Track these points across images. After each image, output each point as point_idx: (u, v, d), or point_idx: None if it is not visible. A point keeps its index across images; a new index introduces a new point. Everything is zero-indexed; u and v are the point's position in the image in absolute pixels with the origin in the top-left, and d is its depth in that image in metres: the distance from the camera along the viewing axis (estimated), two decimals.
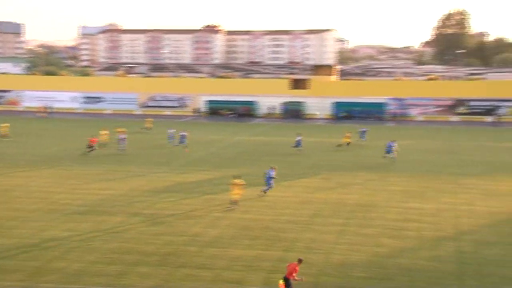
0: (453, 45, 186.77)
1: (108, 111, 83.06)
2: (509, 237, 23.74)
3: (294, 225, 25.63)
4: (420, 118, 71.01)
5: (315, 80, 79.67)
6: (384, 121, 70.27)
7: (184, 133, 48.49)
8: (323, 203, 29.69)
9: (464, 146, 49.46)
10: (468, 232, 24.54)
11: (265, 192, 31.05)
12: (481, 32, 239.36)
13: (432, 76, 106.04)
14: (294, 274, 17.61)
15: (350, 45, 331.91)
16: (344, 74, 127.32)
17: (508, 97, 69.38)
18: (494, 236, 23.94)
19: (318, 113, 75.13)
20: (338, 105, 73.59)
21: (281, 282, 17.70)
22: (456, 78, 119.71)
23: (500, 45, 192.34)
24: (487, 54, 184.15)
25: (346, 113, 72.99)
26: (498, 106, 69.26)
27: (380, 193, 31.90)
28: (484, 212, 27.77)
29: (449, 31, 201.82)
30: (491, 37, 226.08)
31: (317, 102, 75.16)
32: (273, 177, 31.22)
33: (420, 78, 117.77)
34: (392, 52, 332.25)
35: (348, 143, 48.48)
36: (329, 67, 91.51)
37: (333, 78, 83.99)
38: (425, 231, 24.80)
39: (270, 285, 19.11)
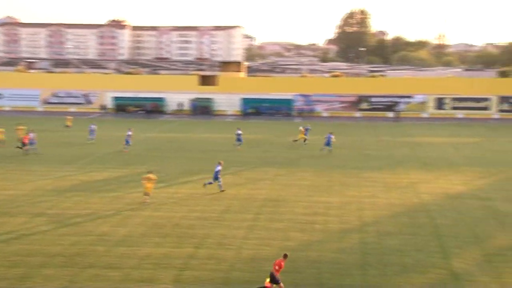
0: (355, 43, 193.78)
1: (7, 108, 79.06)
2: (408, 227, 25.03)
3: (205, 222, 25.65)
4: (326, 114, 73.14)
5: (224, 76, 79.92)
6: (291, 117, 71.76)
7: (129, 133, 46.13)
8: (233, 199, 29.90)
9: (367, 141, 51.47)
10: (371, 224, 25.62)
11: (208, 184, 31.40)
12: (380, 31, 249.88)
13: (336, 73, 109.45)
14: (279, 269, 17.93)
15: (257, 42, 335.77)
16: (252, 71, 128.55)
17: (406, 94, 72.93)
18: (395, 227, 25.14)
19: (227, 109, 75.46)
20: (247, 102, 74.31)
21: (267, 280, 17.88)
22: (359, 75, 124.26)
23: (398, 44, 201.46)
24: (386, 52, 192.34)
25: (254, 109, 73.85)
26: (398, 102, 72.63)
27: (288, 188, 32.57)
28: (385, 204, 29.08)
29: (351, 29, 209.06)
30: (389, 36, 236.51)
31: (226, 99, 75.49)
32: (219, 172, 31.25)
33: (325, 75, 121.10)
34: (298, 49, 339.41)
35: (305, 140, 48.60)
36: (237, 63, 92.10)
37: (241, 74, 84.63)
38: (332, 224, 25.63)
39: (180, 282, 19.04)
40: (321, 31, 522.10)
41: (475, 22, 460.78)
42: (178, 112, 75.80)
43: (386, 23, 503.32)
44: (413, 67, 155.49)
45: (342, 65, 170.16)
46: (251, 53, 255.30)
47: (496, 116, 70.15)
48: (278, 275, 17.94)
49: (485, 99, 71.08)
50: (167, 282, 19.07)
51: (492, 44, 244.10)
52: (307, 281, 19.22)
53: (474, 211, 27.73)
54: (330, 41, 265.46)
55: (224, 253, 21.74)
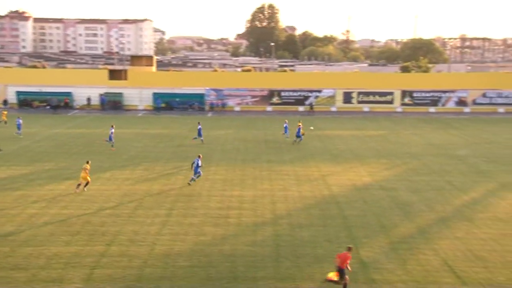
0: (266, 38, 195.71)
1: None
2: (319, 219, 25.66)
3: (117, 218, 25.05)
4: (238, 108, 73.48)
5: (134, 70, 78.23)
6: (204, 112, 71.49)
7: (111, 130, 44.06)
8: (146, 194, 29.41)
9: (279, 135, 52.22)
10: (284, 216, 26.04)
11: (193, 181, 31.57)
12: (290, 26, 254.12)
13: (248, 68, 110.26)
14: (347, 262, 17.73)
15: (168, 36, 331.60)
16: (162, 65, 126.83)
17: (316, 88, 74.65)
18: (307, 219, 25.70)
19: (138, 104, 74.01)
20: (158, 96, 73.20)
21: (331, 274, 17.57)
22: (270, 69, 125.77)
23: (307, 39, 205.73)
24: (296, 47, 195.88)
25: (166, 104, 72.90)
26: (308, 96, 74.20)
27: (202, 182, 32.44)
28: (297, 197, 29.65)
29: (261, 24, 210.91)
30: (298, 32, 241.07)
31: (137, 93, 73.99)
32: (200, 166, 31.45)
33: (236, 69, 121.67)
34: (209, 43, 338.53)
35: (303, 134, 48.03)
36: (147, 57, 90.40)
37: (152, 69, 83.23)
38: (245, 217, 25.80)
39: (91, 281, 18.49)
40: (232, 26, 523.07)
41: (378, 19, 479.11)
42: (87, 107, 73.44)
43: (294, 18, 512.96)
44: (321, 62, 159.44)
45: (253, 59, 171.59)
46: (162, 47, 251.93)
47: (399, 109, 73.27)
48: (347, 267, 17.96)
49: (389, 93, 74.06)
50: (77, 281, 18.46)
51: (394, 40, 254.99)
52: (222, 275, 19.25)
53: (380, 201, 28.86)
54: (241, 36, 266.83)
55: (137, 250, 21.33)
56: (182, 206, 27.43)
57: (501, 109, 72.11)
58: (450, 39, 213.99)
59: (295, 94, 74.39)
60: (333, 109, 73.17)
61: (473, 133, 53.58)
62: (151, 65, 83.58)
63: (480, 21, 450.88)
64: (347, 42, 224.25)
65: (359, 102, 74.12)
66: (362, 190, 31.12)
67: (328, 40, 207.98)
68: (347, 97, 74.27)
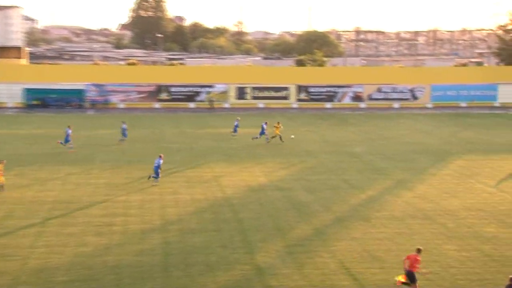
0: (152, 29, 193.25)
1: None
2: (212, 223, 25.78)
3: None
4: (122, 105, 72.02)
5: (1, 63, 74.35)
6: (84, 110, 69.37)
7: (124, 126, 45.50)
8: (17, 203, 28.09)
9: (168, 134, 51.81)
10: (174, 222, 25.90)
11: (152, 179, 32.17)
12: (178, 17, 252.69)
13: (133, 61, 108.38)
14: (417, 266, 17.24)
15: (40, 25, 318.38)
16: (35, 58, 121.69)
17: (207, 83, 74.78)
18: (199, 223, 25.73)
19: (6, 101, 70.41)
20: (30, 92, 70.06)
21: (399, 278, 17.07)
22: (157, 63, 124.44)
23: (197, 30, 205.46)
24: (185, 39, 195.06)
25: (39, 101, 69.95)
26: (199, 92, 74.21)
27: (83, 187, 31.52)
28: (188, 200, 29.59)
29: (146, 13, 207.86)
30: (187, 22, 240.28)
31: (5, 89, 70.39)
32: (160, 167, 32.11)
33: (120, 62, 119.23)
34: (88, 34, 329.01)
35: (280, 136, 47.04)
36: (16, 49, 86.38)
37: (23, 61, 79.54)
38: (132, 224, 25.38)
39: None
40: (114, 15, 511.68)
41: (272, 10, 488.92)
42: None
43: (183, 8, 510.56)
44: (212, 55, 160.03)
45: (139, 52, 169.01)
46: (34, 38, 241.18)
47: (295, 105, 75.21)
48: (418, 270, 17.74)
49: (284, 88, 75.78)
50: None
51: (288, 32, 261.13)
52: None
53: (276, 202, 29.48)
54: (124, 26, 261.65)
55: (7, 265, 20.35)
56: (60, 214, 26.48)
57: (396, 104, 76.05)
58: (344, 31, 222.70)
59: (185, 89, 74.11)
60: (226, 105, 73.72)
61: (369, 129, 56.11)
62: (21, 57, 79.86)
63: (374, 14, 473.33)
64: (239, 34, 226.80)
65: (254, 98, 75.19)
66: (257, 191, 31.62)
67: (219, 31, 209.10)
68: (241, 93, 75.10)
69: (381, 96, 76.58)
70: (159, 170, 32.43)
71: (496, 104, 76.42)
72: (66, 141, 42.02)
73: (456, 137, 51.78)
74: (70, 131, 42.37)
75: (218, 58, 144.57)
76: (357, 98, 76.34)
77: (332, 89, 76.14)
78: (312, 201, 29.88)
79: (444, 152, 43.90)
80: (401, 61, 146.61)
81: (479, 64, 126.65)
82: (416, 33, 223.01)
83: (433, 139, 50.23)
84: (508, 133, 54.18)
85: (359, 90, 76.35)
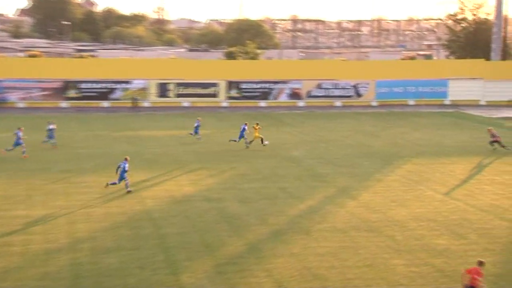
0: (57, 15, 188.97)
1: None
2: (130, 241, 25.41)
3: None
4: (22, 104, 70.15)
5: None
6: None
7: (52, 126, 45.68)
8: None
9: (78, 137, 50.81)
10: (85, 240, 25.38)
11: (112, 185, 32.78)
12: (88, 1, 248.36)
13: (34, 52, 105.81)
14: (479, 279, 17.26)
15: None
16: None
17: (124, 78, 73.82)
18: (114, 241, 25.31)
19: None
20: None
21: None
22: (64, 55, 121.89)
23: (110, 18, 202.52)
24: (97, 28, 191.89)
25: None
26: (114, 88, 73.12)
27: None
28: (102, 214, 29.09)
29: None
30: (99, 8, 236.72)
31: None
32: (127, 171, 32.49)
33: (19, 54, 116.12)
34: None
35: (262, 139, 46.88)
36: None
37: None
38: (34, 244, 24.72)
39: None
40: None
41: None
42: None
43: None
44: (129, 46, 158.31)
45: (42, 42, 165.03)
46: None
47: (225, 104, 75.30)
48: (479, 284, 17.52)
49: (213, 85, 75.72)
50: None
51: (217, 20, 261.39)
52: None
53: (205, 215, 29.38)
54: (24, 12, 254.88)
55: None
56: None
57: (338, 102, 77.41)
58: (280, 20, 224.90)
59: (97, 86, 72.92)
60: (146, 104, 73.03)
61: (308, 130, 56.81)
62: None
63: (313, 0, 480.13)
64: (160, 22, 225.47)
65: (178, 96, 74.82)
66: (183, 203, 31.43)
67: (137, 19, 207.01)
68: (163, 90, 74.56)
69: (322, 93, 77.75)
70: (125, 175, 32.64)
71: (447, 101, 78.97)
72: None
73: (404, 138, 53.15)
74: (20, 133, 42.49)
75: (136, 50, 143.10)
76: (294, 95, 77.23)
77: (266, 85, 76.72)
78: (245, 213, 29.93)
79: (391, 156, 44.95)
80: (343, 53, 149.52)
81: (428, 57, 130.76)
82: (359, 23, 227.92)
83: (379, 141, 51.36)
84: (460, 133, 56.09)
85: (297, 86, 77.27)
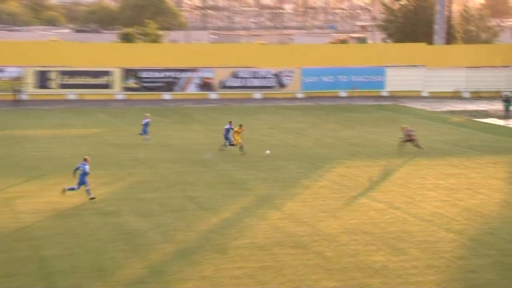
0: None
1: None
2: (3, 265, 24.83)
3: None
4: None
5: None
6: None
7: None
8: None
9: None
10: None
11: (70, 190, 33.28)
12: None
13: None
14: None
15: None
16: None
17: None
18: None
19: None
20: None
21: None
22: None
23: None
24: None
25: None
26: None
27: None
28: None
29: None
30: None
31: None
32: (87, 173, 33.42)
33: None
34: None
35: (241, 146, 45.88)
36: None
37: None
38: None
39: None
40: None
41: None
42: None
43: None
44: (1, 26, 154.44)
45: None
46: None
47: (121, 96, 74.54)
48: None
49: (105, 73, 74.73)
50: None
51: None
52: None
53: (97, 232, 29.00)
54: None
55: None
56: None
57: (257, 94, 77.92)
58: None
59: None
60: (23, 96, 71.45)
61: (222, 128, 56.91)
62: None
63: None
64: None
65: (62, 87, 73.63)
66: (70, 217, 30.98)
67: None
68: (43, 79, 73.24)
69: (238, 83, 78.13)
70: (85, 179, 33.30)
71: (384, 93, 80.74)
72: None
73: (335, 137, 54.03)
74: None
75: (9, 30, 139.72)
76: (205, 86, 77.30)
77: (171, 74, 76.52)
78: (146, 228, 29.74)
79: (321, 158, 45.59)
80: (263, 36, 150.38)
81: (362, 40, 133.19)
82: (282, 0, 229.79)
83: (306, 141, 52.04)
84: (399, 131, 57.22)
85: (208, 75, 77.27)
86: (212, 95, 76.81)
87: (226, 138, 46.41)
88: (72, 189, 33.52)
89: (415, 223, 31.25)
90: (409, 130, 47.78)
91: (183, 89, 76.68)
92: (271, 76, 78.60)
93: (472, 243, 28.23)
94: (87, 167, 33.62)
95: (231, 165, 42.81)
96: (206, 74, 77.24)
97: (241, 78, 78.05)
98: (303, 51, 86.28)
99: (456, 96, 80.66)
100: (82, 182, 33.49)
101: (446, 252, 27.16)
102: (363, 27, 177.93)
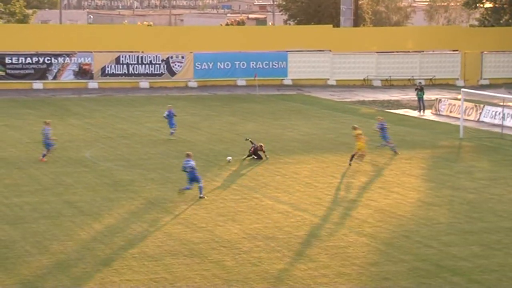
0: None
1: None
2: None
3: None
4: None
5: None
6: None
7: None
8: None
9: None
10: None
11: (185, 190, 35.21)
12: None
13: None
14: None
15: None
16: None
17: None
18: None
19: None
20: None
21: None
22: None
23: None
24: None
25: None
26: None
27: None
28: None
29: None
30: None
31: None
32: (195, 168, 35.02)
33: None
34: None
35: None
36: None
37: None
38: None
39: None
40: None
41: None
42: None
43: None
44: None
45: None
46: None
47: None
48: None
49: None
50: None
51: None
52: None
53: None
54: None
55: None
56: None
57: (144, 83, 77.31)
58: None
59: None
60: None
61: (103, 122, 56.43)
62: None
63: None
64: None
65: None
66: None
67: None
68: None
69: (121, 70, 77.30)
70: (197, 175, 35.05)
71: (287, 81, 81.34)
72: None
73: (233, 131, 54.22)
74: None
75: None
76: (83, 73, 76.28)
77: (43, 59, 75.08)
78: (17, 238, 29.30)
79: (217, 155, 45.71)
80: (148, 16, 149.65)
81: (261, 22, 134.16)
82: None
83: (201, 136, 52.08)
84: (305, 124, 58.04)
85: (86, 60, 76.26)
86: (92, 84, 75.77)
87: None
88: (187, 188, 35.33)
89: (324, 226, 31.78)
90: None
91: (57, 77, 75.36)
92: (160, 62, 78.03)
93: (386, 248, 28.88)
94: (193, 163, 35.10)
95: (115, 164, 42.52)
96: (83, 60, 76.09)
97: (125, 64, 77.13)
98: (195, 34, 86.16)
99: (366, 84, 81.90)
100: (194, 179, 35.09)
101: (358, 258, 27.69)
102: (262, 7, 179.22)
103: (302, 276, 25.75)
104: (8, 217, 32.00)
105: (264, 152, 43.52)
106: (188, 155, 35.65)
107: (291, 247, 28.94)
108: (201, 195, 35.25)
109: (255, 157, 43.51)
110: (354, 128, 43.29)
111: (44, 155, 42.57)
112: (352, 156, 41.93)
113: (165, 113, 50.14)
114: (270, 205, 34.97)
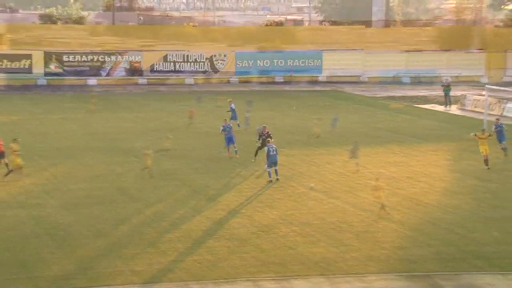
0: None
1: None
2: None
3: None
4: None
5: None
6: None
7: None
8: None
9: None
10: None
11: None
12: None
13: None
14: None
15: None
16: None
17: None
18: None
19: None
20: None
21: None
22: None
23: None
24: None
25: None
26: None
27: None
28: None
29: None
30: None
31: None
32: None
33: None
34: None
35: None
36: None
37: None
38: None
39: None
40: None
41: None
42: None
43: None
44: None
45: None
46: None
47: (42, 81, 73.48)
48: None
49: (25, 56, 73.43)
50: None
51: None
52: None
53: (19, 226, 28.77)
54: None
55: None
56: None
57: (189, 79, 77.60)
58: None
59: None
60: None
61: (152, 116, 56.73)
62: None
63: None
64: None
65: None
66: None
67: None
68: None
69: (168, 67, 77.64)
70: (275, 157, 36.16)
71: (321, 78, 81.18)
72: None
73: (272, 125, 54.02)
74: None
75: None
76: (134, 70, 76.68)
77: (97, 57, 75.59)
78: (73, 222, 29.60)
79: (256, 146, 45.67)
80: (193, 17, 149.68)
81: (298, 23, 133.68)
82: None
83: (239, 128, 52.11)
84: (338, 117, 57.77)
85: (136, 59, 76.69)
86: (141, 80, 76.27)
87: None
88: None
89: (355, 213, 31.76)
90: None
91: (109, 74, 75.99)
92: (204, 60, 78.32)
93: (413, 233, 28.85)
94: (275, 147, 36.51)
95: (162, 154, 42.67)
96: (134, 58, 76.61)
97: (172, 62, 77.48)
98: (237, 33, 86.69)
99: (396, 81, 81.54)
100: (273, 162, 36.37)
101: (387, 242, 27.71)
102: (299, 8, 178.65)
103: (334, 258, 25.82)
104: (65, 202, 32.34)
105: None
106: (268, 142, 37.53)
107: (324, 232, 29.00)
108: (277, 177, 36.61)
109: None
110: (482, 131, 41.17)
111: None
112: (485, 161, 40.07)
113: (231, 107, 51.55)
114: (305, 192, 35.02)
